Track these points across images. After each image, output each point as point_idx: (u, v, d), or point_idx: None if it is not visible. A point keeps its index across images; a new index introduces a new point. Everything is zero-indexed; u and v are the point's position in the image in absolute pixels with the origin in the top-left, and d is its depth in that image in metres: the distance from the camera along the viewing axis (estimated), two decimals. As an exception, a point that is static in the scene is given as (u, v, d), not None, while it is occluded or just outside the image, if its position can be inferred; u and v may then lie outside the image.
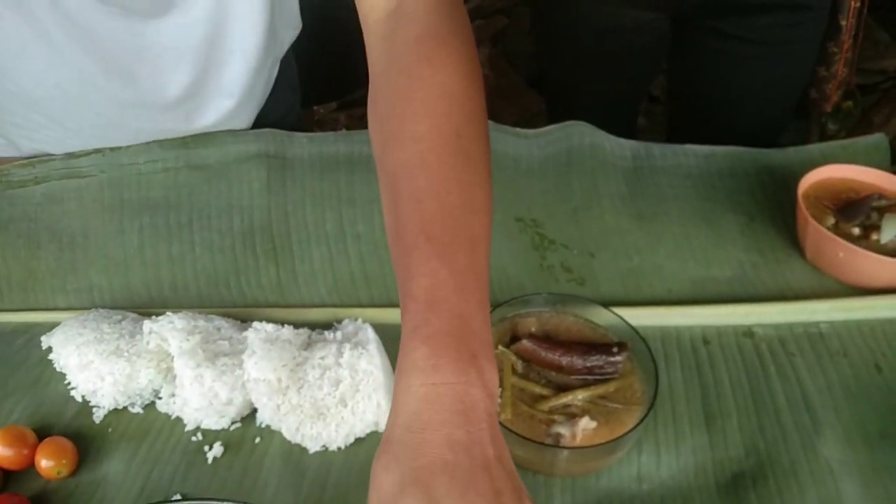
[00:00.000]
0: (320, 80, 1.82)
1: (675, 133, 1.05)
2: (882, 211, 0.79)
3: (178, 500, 0.59)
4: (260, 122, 0.89)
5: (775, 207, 0.85)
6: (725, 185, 0.88)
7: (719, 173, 0.89)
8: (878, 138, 0.92)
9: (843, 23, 1.00)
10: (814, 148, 0.92)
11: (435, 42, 0.57)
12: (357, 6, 0.62)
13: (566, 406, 0.62)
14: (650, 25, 1.07)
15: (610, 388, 0.63)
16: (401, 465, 0.43)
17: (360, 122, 2.20)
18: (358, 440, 0.64)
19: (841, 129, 1.95)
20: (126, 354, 0.65)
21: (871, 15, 1.81)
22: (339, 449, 0.63)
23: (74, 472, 0.62)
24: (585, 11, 0.83)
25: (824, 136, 1.35)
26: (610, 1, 0.80)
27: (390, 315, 0.72)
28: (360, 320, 0.69)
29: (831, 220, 0.79)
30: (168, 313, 0.66)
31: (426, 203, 0.51)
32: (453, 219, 0.51)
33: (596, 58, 1.12)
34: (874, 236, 0.77)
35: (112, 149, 0.85)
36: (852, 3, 0.98)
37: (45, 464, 0.61)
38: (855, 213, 0.79)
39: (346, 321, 0.69)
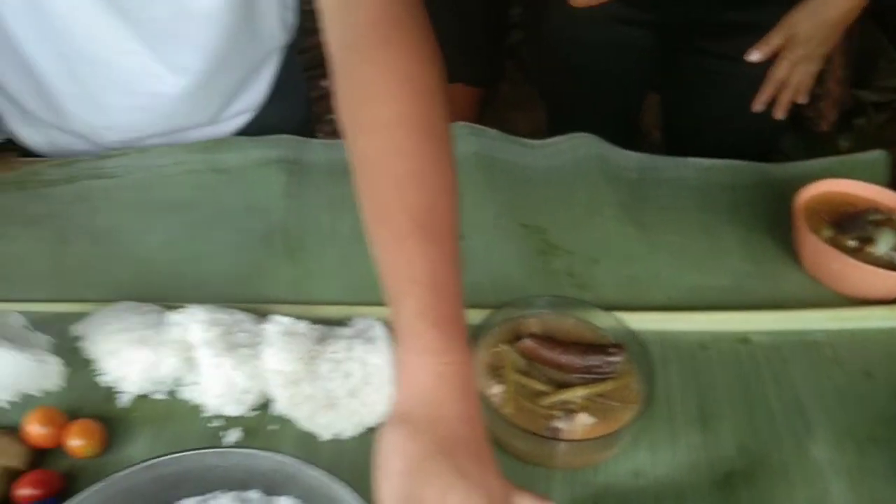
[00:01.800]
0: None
1: (669, 151, 1.08)
2: (877, 224, 0.82)
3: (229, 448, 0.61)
4: (266, 124, 0.93)
5: (773, 219, 0.88)
6: (725, 198, 0.91)
7: (720, 186, 0.93)
8: (876, 154, 0.95)
9: None
10: (813, 163, 0.95)
11: (390, 25, 0.59)
12: None
13: (565, 402, 0.65)
14: (634, 43, 1.10)
15: (608, 386, 0.66)
16: (424, 435, 0.47)
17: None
18: (368, 430, 0.67)
19: (854, 147, 1.97)
20: (151, 343, 0.68)
21: (886, 34, 1.83)
22: (351, 438, 0.67)
23: (102, 452, 0.66)
24: (572, 28, 0.87)
25: (837, 154, 1.37)
26: (594, 17, 0.84)
27: (401, 314, 0.76)
28: (371, 318, 0.72)
29: (828, 233, 0.82)
30: (191, 306, 0.70)
31: (408, 190, 0.53)
32: (437, 204, 0.54)
33: (586, 74, 1.16)
34: (869, 249, 0.80)
35: (138, 151, 0.89)
36: None
37: (74, 443, 0.65)
38: (851, 226, 0.82)
39: (357, 319, 0.73)
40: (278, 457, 0.51)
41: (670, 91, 1.21)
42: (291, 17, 0.91)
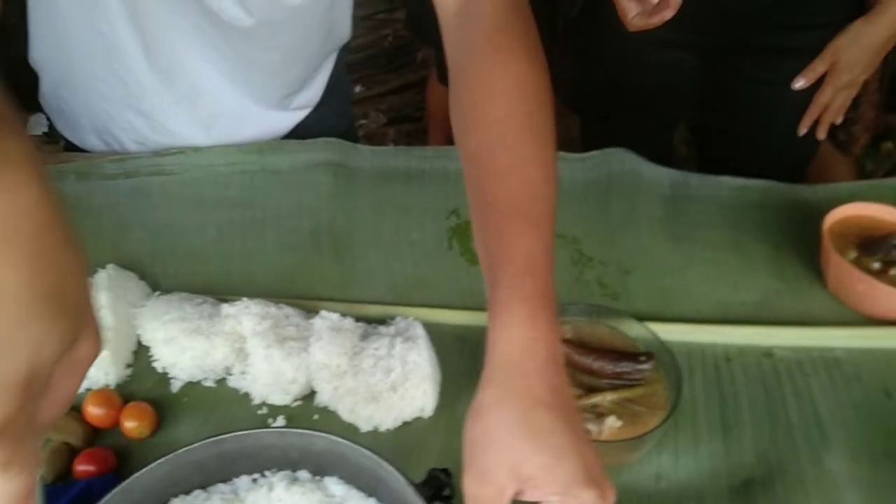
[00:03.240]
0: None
1: (706, 165, 1.11)
2: (902, 248, 0.84)
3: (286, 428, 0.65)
4: (313, 127, 0.97)
5: (801, 239, 0.90)
6: (755, 216, 0.94)
7: (751, 204, 0.95)
8: (904, 180, 0.97)
9: None
10: (841, 186, 0.97)
11: (502, 34, 0.64)
12: (434, 3, 0.69)
13: (595, 406, 0.69)
14: (679, 65, 1.14)
15: (636, 392, 0.69)
16: (513, 402, 0.50)
17: (407, 138, 2.29)
18: (405, 423, 0.71)
19: (878, 169, 1.98)
20: (205, 333, 0.73)
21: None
22: (389, 430, 0.71)
23: (153, 433, 0.70)
24: (616, 47, 0.90)
25: (863, 176, 1.39)
26: (639, 39, 0.87)
27: (436, 315, 0.80)
28: (411, 318, 0.76)
29: (853, 254, 0.84)
30: (244, 299, 0.74)
31: (510, 178, 0.58)
32: (536, 192, 0.58)
33: (626, 92, 1.19)
34: (893, 272, 0.82)
35: (195, 149, 0.94)
36: None
37: (128, 424, 0.70)
38: (876, 249, 0.84)
39: (398, 318, 0.77)
40: (331, 437, 0.55)
41: (708, 112, 1.23)
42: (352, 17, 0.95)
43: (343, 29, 0.92)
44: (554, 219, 0.59)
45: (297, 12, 0.83)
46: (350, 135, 1.00)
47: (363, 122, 2.41)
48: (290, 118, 0.98)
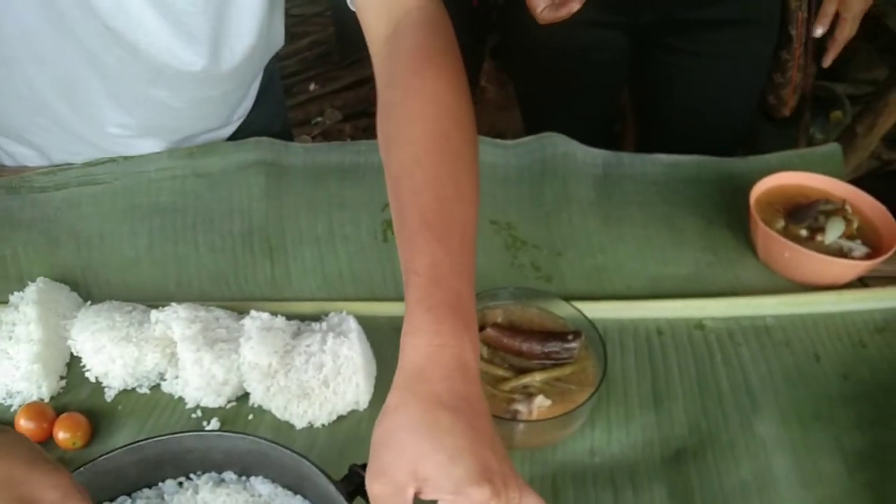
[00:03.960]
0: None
1: (642, 144, 1.12)
2: (828, 214, 0.85)
3: (206, 431, 0.66)
4: (246, 130, 0.97)
5: (733, 211, 0.92)
6: (688, 191, 0.95)
7: (684, 180, 0.96)
8: (832, 147, 0.98)
9: (794, 32, 1.08)
10: (772, 157, 0.99)
11: (424, 58, 0.67)
12: (364, 31, 0.72)
13: (525, 387, 0.69)
14: (609, 44, 1.15)
15: (565, 371, 0.70)
16: (415, 405, 0.51)
17: (364, 133, 2.29)
18: (340, 417, 0.71)
19: (828, 139, 2.01)
20: (135, 340, 0.72)
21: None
22: (323, 426, 0.71)
23: (88, 444, 0.70)
24: (543, 33, 0.91)
25: (811, 145, 1.41)
26: (567, 22, 0.88)
27: (373, 308, 0.80)
28: (344, 313, 0.76)
29: (781, 223, 0.86)
30: (173, 304, 0.74)
31: (424, 194, 0.60)
32: (447, 208, 0.60)
33: (558, 76, 1.20)
34: (819, 238, 0.84)
35: (125, 158, 0.94)
36: (800, 14, 1.06)
37: (62, 436, 0.69)
38: (803, 216, 0.86)
39: (332, 314, 0.77)
40: (252, 438, 0.55)
41: (641, 88, 1.25)
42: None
43: (278, 38, 0.92)
44: (470, 233, 0.60)
45: (244, 53, 0.84)
46: (285, 135, 0.99)
47: (319, 119, 2.40)
48: (228, 130, 0.99)
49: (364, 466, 0.54)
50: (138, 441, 0.55)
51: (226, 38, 0.81)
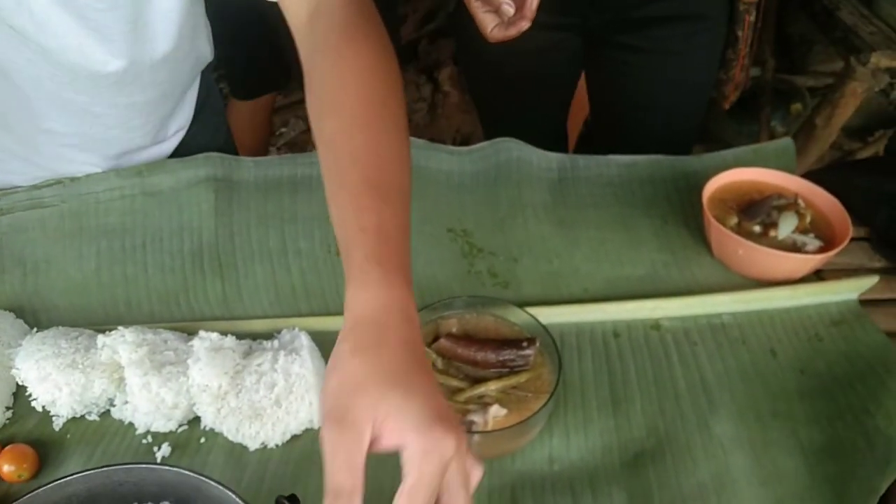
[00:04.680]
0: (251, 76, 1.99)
1: (601, 141, 1.12)
2: (781, 209, 0.86)
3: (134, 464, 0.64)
4: (189, 145, 0.96)
5: (688, 210, 0.92)
6: (644, 192, 0.95)
7: (639, 181, 0.96)
8: (785, 142, 0.99)
9: (740, 33, 1.09)
10: (727, 153, 0.99)
11: (353, 28, 0.68)
12: (285, 15, 0.71)
13: (481, 397, 0.68)
14: (560, 45, 1.15)
15: (521, 378, 0.69)
16: (368, 351, 0.52)
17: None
18: (294, 437, 0.70)
19: (789, 131, 2.03)
20: (81, 367, 0.71)
21: (815, 22, 1.89)
22: (277, 446, 0.69)
23: (36, 475, 0.68)
24: None
25: (773, 138, 1.43)
26: None
27: (326, 323, 0.79)
28: (296, 329, 0.75)
29: (735, 220, 0.86)
30: (119, 328, 0.72)
31: (365, 158, 0.60)
32: (389, 170, 0.61)
33: (511, 80, 1.20)
34: (773, 233, 0.84)
35: (72, 179, 0.91)
36: (747, 16, 1.08)
37: (6, 468, 0.67)
38: (756, 212, 0.86)
39: (284, 331, 0.76)
40: (177, 470, 0.54)
41: (596, 85, 1.25)
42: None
43: (205, 51, 0.91)
44: (408, 198, 0.61)
45: (164, 57, 0.82)
46: (229, 149, 0.98)
47: (283, 130, 2.38)
48: (168, 146, 0.96)
49: (291, 497, 0.53)
50: (63, 477, 0.54)
51: (143, 39, 0.78)
